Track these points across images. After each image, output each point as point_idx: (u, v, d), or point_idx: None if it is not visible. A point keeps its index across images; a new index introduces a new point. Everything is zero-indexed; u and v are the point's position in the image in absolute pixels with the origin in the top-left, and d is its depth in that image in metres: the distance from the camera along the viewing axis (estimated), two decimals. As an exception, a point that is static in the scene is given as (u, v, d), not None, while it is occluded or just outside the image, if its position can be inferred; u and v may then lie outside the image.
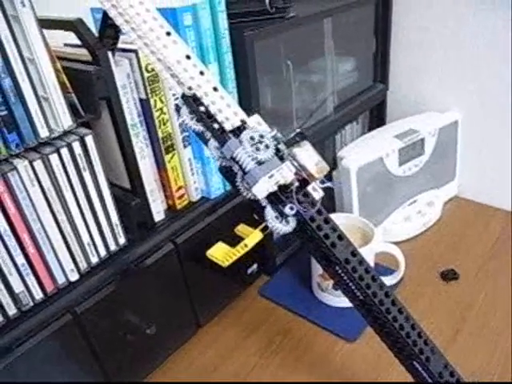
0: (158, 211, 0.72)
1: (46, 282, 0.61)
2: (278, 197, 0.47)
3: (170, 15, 0.63)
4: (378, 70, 1.09)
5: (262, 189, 0.45)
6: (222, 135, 0.47)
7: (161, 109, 0.68)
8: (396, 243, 0.91)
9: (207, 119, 0.47)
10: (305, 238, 0.52)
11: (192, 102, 0.47)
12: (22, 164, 0.54)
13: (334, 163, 1.02)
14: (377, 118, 1.14)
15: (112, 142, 0.66)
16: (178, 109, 0.48)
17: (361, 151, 0.93)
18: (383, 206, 0.98)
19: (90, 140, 0.60)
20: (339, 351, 0.77)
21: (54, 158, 0.57)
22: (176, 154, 0.72)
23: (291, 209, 0.46)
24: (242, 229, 0.58)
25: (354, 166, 0.88)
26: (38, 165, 0.55)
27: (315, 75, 0.94)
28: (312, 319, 0.83)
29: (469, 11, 0.95)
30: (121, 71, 0.63)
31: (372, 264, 0.83)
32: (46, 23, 0.55)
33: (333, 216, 0.79)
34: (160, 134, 0.69)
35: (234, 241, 0.56)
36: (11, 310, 0.58)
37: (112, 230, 0.66)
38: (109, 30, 0.60)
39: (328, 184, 0.50)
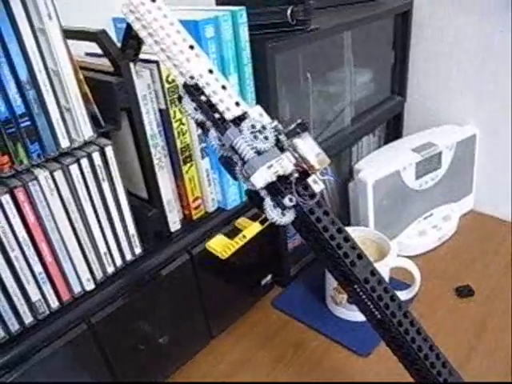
0: (175, 221, 0.72)
1: (62, 291, 0.61)
2: (278, 188, 0.46)
3: (193, 27, 0.63)
4: (396, 82, 1.08)
5: (260, 178, 0.44)
6: (222, 124, 0.46)
7: (180, 119, 0.68)
8: (411, 257, 0.90)
9: (208, 109, 0.47)
10: (321, 251, 0.51)
11: (193, 91, 0.47)
12: (42, 174, 0.54)
13: (349, 175, 1.01)
14: (393, 130, 1.14)
15: (131, 151, 0.66)
16: (179, 98, 0.48)
17: (378, 164, 0.93)
18: (399, 220, 0.97)
19: (109, 151, 0.60)
20: (352, 366, 0.77)
21: (74, 169, 0.57)
22: (194, 165, 0.72)
23: (290, 200, 0.46)
24: (242, 222, 0.58)
25: (370, 179, 0.88)
26: (59, 175, 0.56)
27: (333, 86, 0.94)
28: (325, 333, 0.83)
29: (488, 26, 0.94)
30: (142, 82, 0.63)
31: (387, 278, 0.83)
32: (69, 34, 0.55)
33: (348, 229, 0.78)
34: (178, 145, 0.69)
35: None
36: (27, 319, 0.59)
37: (128, 240, 0.66)
38: (131, 41, 0.61)
39: (328, 176, 0.49)
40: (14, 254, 0.55)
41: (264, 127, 0.46)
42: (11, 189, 0.52)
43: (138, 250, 0.68)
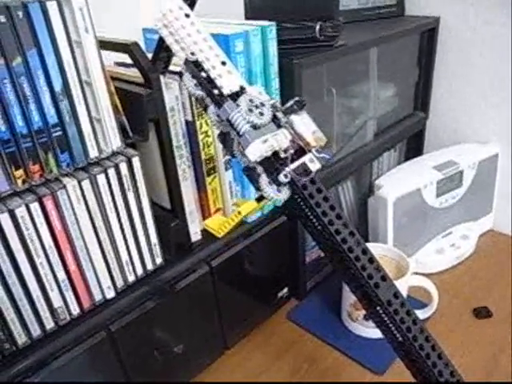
0: (195, 232, 0.72)
1: (83, 298, 0.62)
2: (273, 164, 0.46)
3: (223, 41, 0.64)
4: (419, 98, 1.08)
5: (254, 151, 0.44)
6: (220, 99, 0.47)
7: (206, 132, 0.69)
8: (428, 275, 0.90)
9: (207, 84, 0.47)
10: (344, 272, 0.51)
11: (194, 67, 0.48)
12: (71, 183, 0.55)
13: (369, 190, 1.01)
14: (415, 146, 1.13)
15: (156, 161, 0.67)
16: (180, 75, 0.49)
17: (399, 181, 0.92)
18: (417, 237, 0.97)
19: (136, 161, 0.60)
20: (367, 383, 0.76)
21: (101, 178, 0.57)
22: (217, 177, 0.73)
23: (285, 176, 0.46)
24: (238, 201, 0.57)
25: (391, 196, 0.88)
26: (86, 184, 0.56)
27: (357, 101, 0.94)
28: (340, 348, 0.82)
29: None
30: (170, 94, 0.63)
31: (405, 297, 0.82)
32: (102, 44, 0.55)
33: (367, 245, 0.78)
34: (203, 156, 0.70)
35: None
36: (49, 324, 0.59)
37: (150, 250, 0.67)
38: (162, 53, 0.61)
39: (324, 155, 0.48)
40: (40, 260, 0.55)
41: (261, 103, 0.46)
42: (40, 197, 0.53)
43: (158, 260, 0.68)
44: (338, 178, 0.91)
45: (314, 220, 0.49)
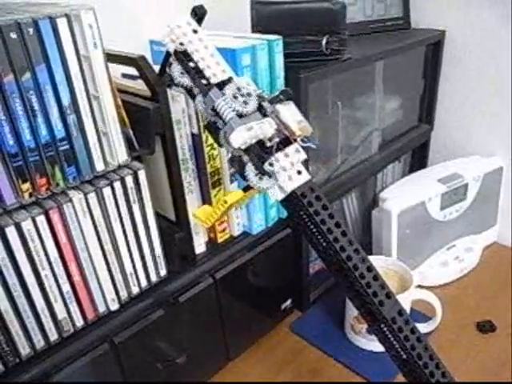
0: (200, 244, 0.73)
1: (87, 310, 0.62)
2: (258, 153, 0.46)
3: (230, 55, 0.64)
4: (424, 110, 1.08)
5: (238, 138, 0.45)
6: (207, 88, 0.47)
7: (211, 144, 0.69)
8: (431, 288, 0.90)
9: (195, 74, 0.48)
10: (349, 289, 0.51)
11: (183, 57, 0.48)
12: (77, 196, 0.55)
13: (374, 202, 1.01)
14: (419, 158, 1.13)
15: (161, 174, 0.67)
16: (169, 65, 0.50)
17: (403, 193, 0.92)
18: (421, 250, 0.97)
19: (142, 174, 0.60)
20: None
21: (106, 191, 0.58)
22: (222, 189, 0.73)
23: (270, 165, 0.46)
24: (227, 194, 0.57)
25: (396, 209, 0.88)
26: (92, 197, 0.56)
27: (362, 113, 0.94)
28: (342, 361, 0.82)
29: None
30: (176, 107, 0.63)
31: (408, 310, 0.82)
32: (109, 57, 0.55)
33: (371, 258, 0.78)
34: (208, 169, 0.70)
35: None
36: (53, 336, 0.59)
37: (154, 262, 0.67)
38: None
39: (309, 144, 0.48)
40: (45, 272, 0.55)
41: (247, 91, 0.47)
42: (46, 210, 0.53)
43: (162, 272, 0.68)
44: (343, 190, 0.91)
45: (320, 237, 0.50)
